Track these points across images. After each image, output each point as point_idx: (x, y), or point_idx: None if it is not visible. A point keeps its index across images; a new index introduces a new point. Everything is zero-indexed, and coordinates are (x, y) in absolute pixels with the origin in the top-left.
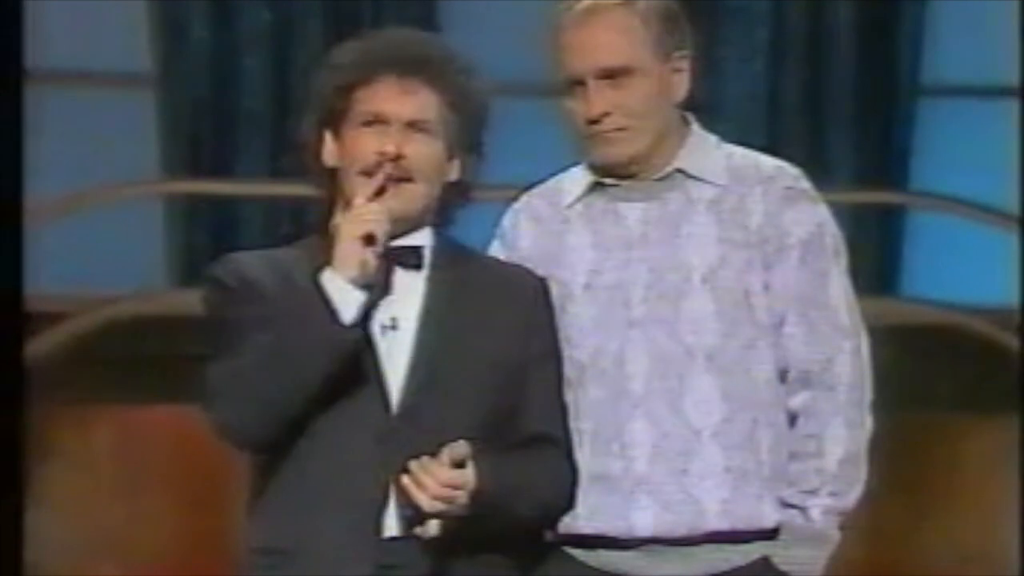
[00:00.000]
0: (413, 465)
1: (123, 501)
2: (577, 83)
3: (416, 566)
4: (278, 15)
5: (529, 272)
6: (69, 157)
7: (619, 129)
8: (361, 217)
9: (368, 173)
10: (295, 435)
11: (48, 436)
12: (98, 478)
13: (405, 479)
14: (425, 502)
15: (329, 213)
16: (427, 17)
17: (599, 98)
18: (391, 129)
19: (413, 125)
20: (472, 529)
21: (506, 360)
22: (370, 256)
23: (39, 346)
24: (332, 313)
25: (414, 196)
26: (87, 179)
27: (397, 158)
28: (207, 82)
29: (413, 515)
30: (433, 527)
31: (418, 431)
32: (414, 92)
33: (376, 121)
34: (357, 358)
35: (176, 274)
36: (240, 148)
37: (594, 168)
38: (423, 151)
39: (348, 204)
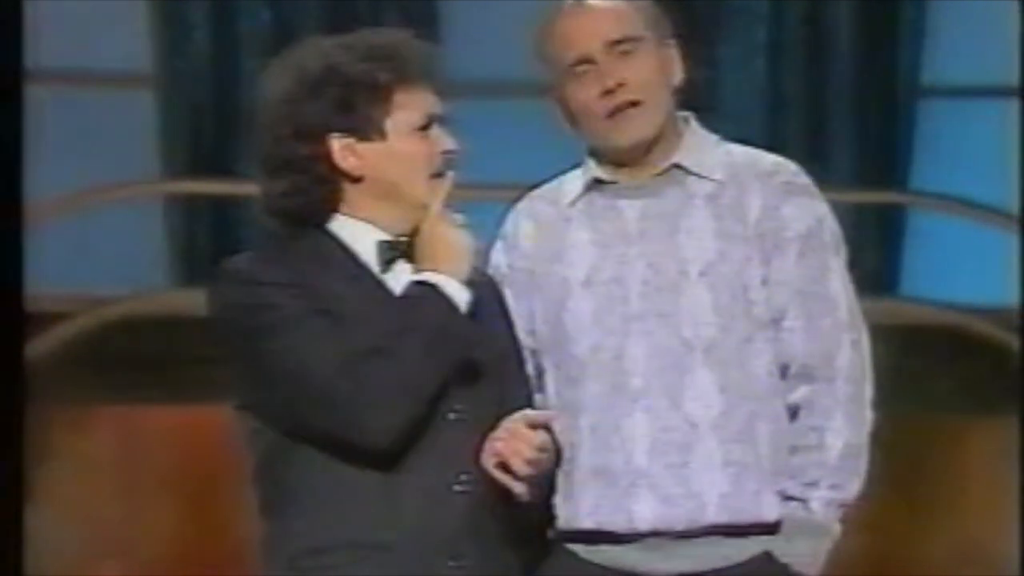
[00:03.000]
0: (502, 432)
1: (123, 501)
2: (584, 64)
3: (486, 554)
4: (278, 15)
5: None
6: (69, 157)
7: (633, 104)
8: (462, 231)
9: (440, 175)
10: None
11: (48, 436)
12: (98, 478)
13: (498, 444)
14: (520, 466)
15: (324, 215)
16: (427, 17)
17: (612, 69)
18: (436, 128)
19: (443, 123)
20: (540, 495)
21: (504, 346)
22: (477, 264)
23: (39, 346)
24: (453, 308)
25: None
26: (87, 179)
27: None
28: (207, 82)
29: (505, 481)
30: (524, 491)
31: (473, 421)
32: (436, 92)
33: (426, 123)
34: None
35: (176, 274)
36: (240, 148)
37: (600, 154)
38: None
39: (380, 202)
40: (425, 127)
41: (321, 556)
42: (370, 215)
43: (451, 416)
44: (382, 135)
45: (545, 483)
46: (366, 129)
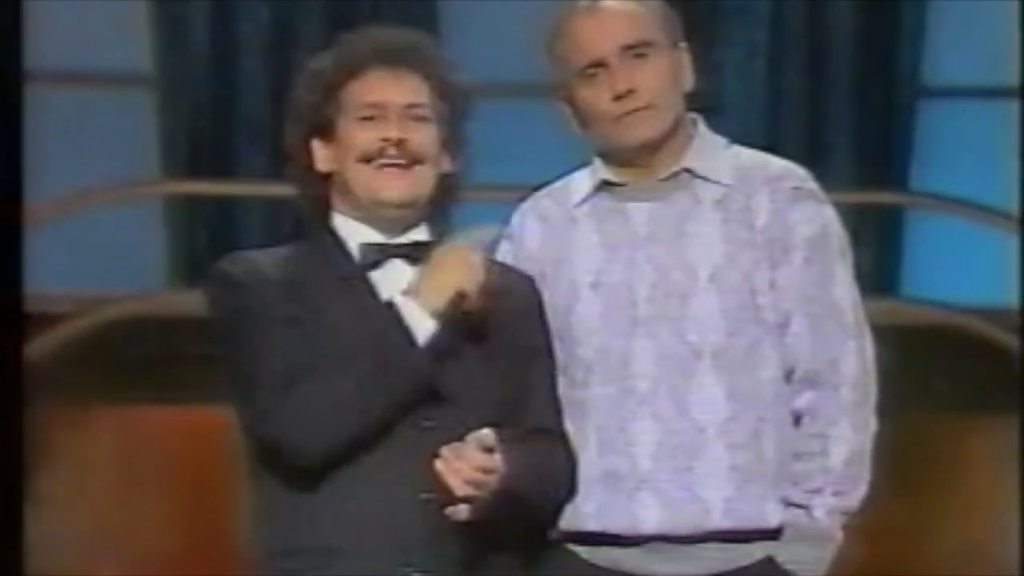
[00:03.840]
0: (445, 450)
1: (123, 501)
2: (596, 68)
3: (447, 563)
4: (278, 15)
5: (518, 270)
6: (69, 157)
7: (644, 108)
8: (463, 266)
9: (368, 159)
10: None
11: (48, 436)
12: (98, 478)
13: (438, 463)
14: (457, 486)
15: (324, 214)
16: (427, 17)
17: (624, 74)
18: (390, 116)
19: (409, 111)
20: (498, 516)
21: (510, 355)
22: (457, 303)
23: (39, 346)
24: (410, 339)
25: (424, 178)
26: (87, 179)
27: (400, 142)
28: (207, 82)
29: (445, 499)
30: (463, 511)
31: (448, 426)
32: (405, 78)
33: (373, 112)
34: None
35: (176, 274)
36: (240, 148)
37: (608, 154)
38: (424, 135)
39: (348, 197)
40: (369, 117)
41: (286, 559)
42: (354, 213)
43: (425, 424)
44: (335, 131)
45: (512, 501)
46: (325, 127)
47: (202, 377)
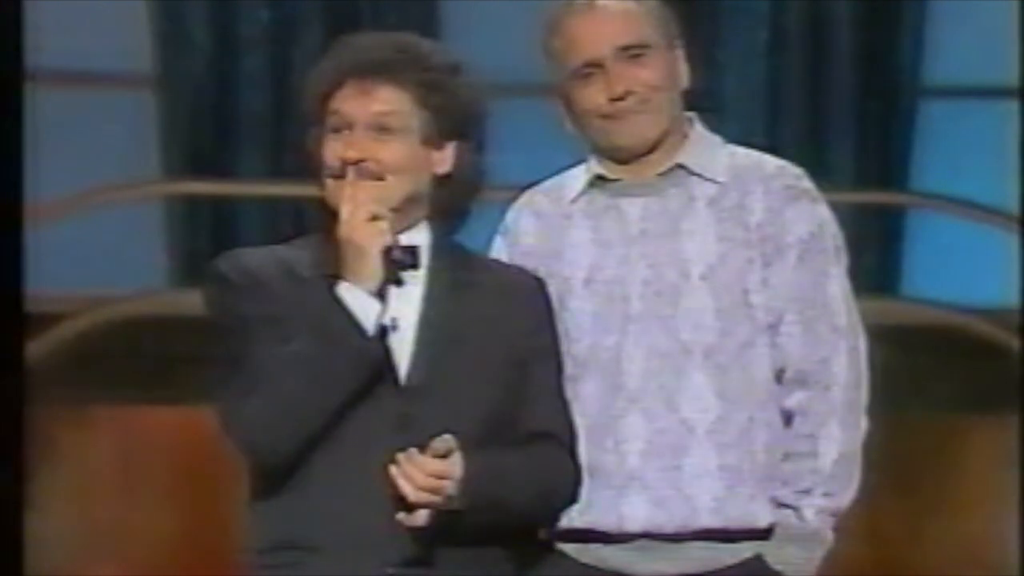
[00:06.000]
0: (401, 456)
1: (123, 501)
2: (592, 68)
3: (428, 562)
4: (278, 16)
5: (527, 272)
6: (69, 157)
7: (640, 109)
8: (368, 228)
9: (337, 176)
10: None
11: (48, 436)
12: (98, 478)
13: (392, 469)
14: (411, 492)
15: (333, 214)
16: (427, 17)
17: (620, 76)
18: (355, 132)
19: (375, 125)
20: (467, 520)
21: (506, 358)
22: (383, 265)
23: (39, 346)
24: (356, 326)
25: (386, 193)
26: (87, 179)
27: (359, 161)
28: (207, 82)
29: (402, 505)
30: (421, 517)
31: (429, 426)
32: (371, 92)
33: (342, 126)
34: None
35: (176, 274)
36: (240, 148)
37: (602, 153)
38: (389, 149)
39: (330, 206)
40: (338, 130)
41: (268, 555)
42: None
43: (404, 423)
44: (321, 141)
45: (482, 506)
46: (321, 132)
47: (202, 377)
